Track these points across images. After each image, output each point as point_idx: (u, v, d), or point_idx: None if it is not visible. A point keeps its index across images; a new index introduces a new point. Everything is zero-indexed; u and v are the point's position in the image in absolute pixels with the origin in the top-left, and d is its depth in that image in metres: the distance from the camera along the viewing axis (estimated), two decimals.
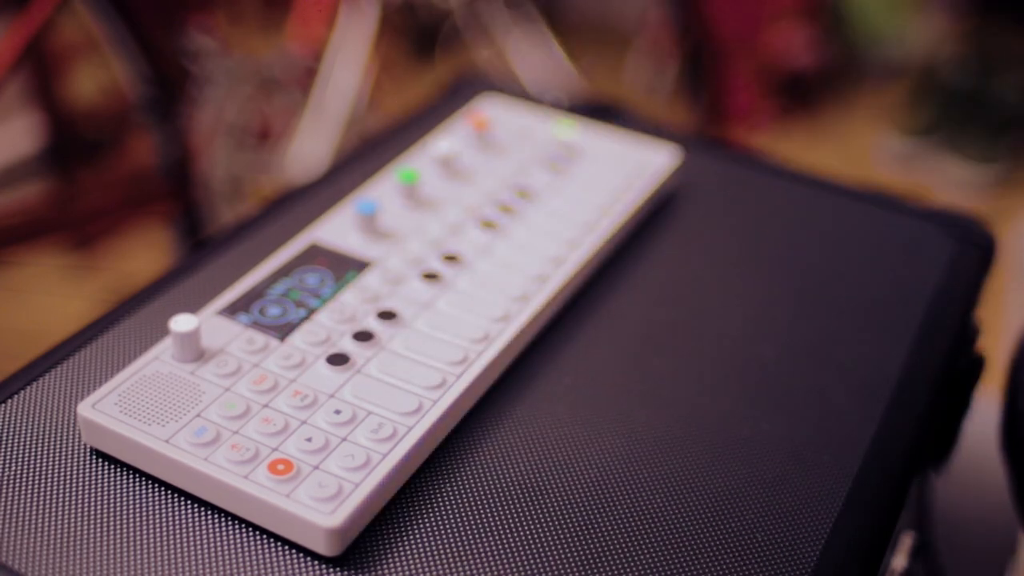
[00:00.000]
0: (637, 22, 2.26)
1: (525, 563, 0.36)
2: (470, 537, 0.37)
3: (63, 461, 0.39)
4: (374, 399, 0.40)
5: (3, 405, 0.41)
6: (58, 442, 0.39)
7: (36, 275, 1.52)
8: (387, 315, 0.44)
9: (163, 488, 0.38)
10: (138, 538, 0.36)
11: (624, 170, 0.57)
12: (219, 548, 0.36)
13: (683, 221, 0.57)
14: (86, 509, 0.37)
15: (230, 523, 0.37)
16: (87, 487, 0.38)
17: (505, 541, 0.37)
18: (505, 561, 0.36)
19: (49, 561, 0.35)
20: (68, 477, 0.38)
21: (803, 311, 0.50)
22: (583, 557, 0.37)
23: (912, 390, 0.46)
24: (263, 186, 1.59)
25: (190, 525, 0.36)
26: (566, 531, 0.38)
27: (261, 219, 0.53)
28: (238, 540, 0.36)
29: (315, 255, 0.48)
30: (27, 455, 0.39)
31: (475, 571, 0.36)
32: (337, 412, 0.39)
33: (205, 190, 1.44)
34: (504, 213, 0.53)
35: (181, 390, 0.39)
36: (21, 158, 1.61)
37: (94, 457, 0.39)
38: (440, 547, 0.37)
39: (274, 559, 0.35)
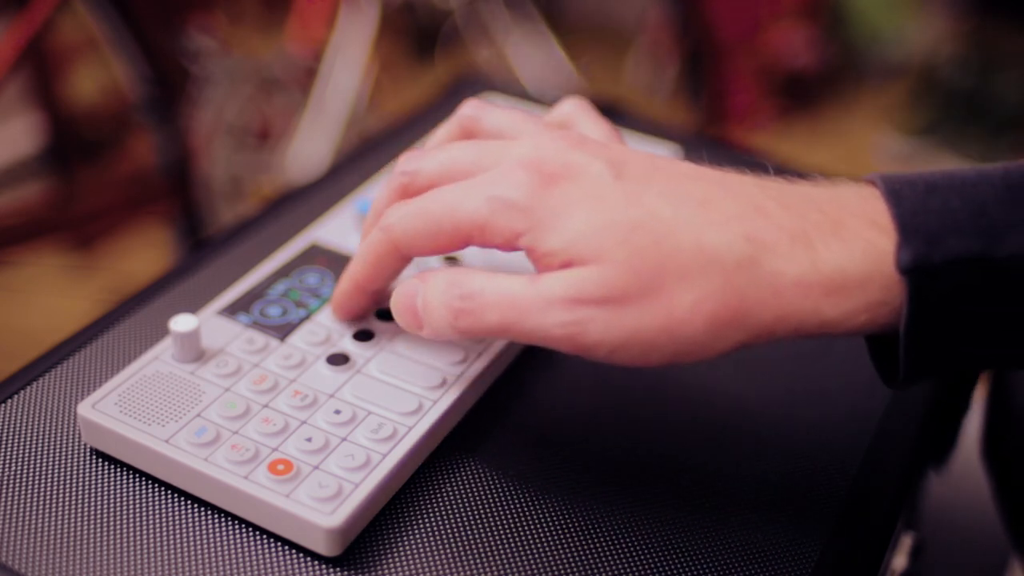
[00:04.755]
0: (637, 22, 2.26)
1: (525, 563, 0.36)
2: (470, 537, 0.37)
3: (63, 461, 0.39)
4: (374, 399, 0.40)
5: (3, 405, 0.41)
6: (58, 442, 0.39)
7: (36, 275, 1.52)
8: (387, 315, 0.44)
9: (163, 488, 0.38)
10: (138, 538, 0.36)
11: None
12: (219, 548, 0.36)
13: None
14: (86, 509, 0.37)
15: (230, 523, 0.37)
16: (87, 487, 0.38)
17: (505, 541, 0.37)
18: (505, 561, 0.36)
19: (49, 561, 0.35)
20: (68, 477, 0.38)
21: None
22: (583, 557, 0.37)
23: (912, 390, 0.46)
24: (263, 186, 1.59)
25: (190, 525, 0.36)
26: (567, 531, 0.38)
27: (261, 219, 0.53)
28: (238, 540, 0.36)
29: (315, 255, 0.48)
30: (27, 455, 0.39)
31: (475, 571, 0.36)
32: (337, 412, 0.39)
33: (205, 190, 1.44)
34: None
35: (181, 390, 0.39)
36: (21, 158, 1.61)
37: (94, 457, 0.39)
38: (440, 547, 0.37)
39: (274, 559, 0.35)
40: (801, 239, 0.34)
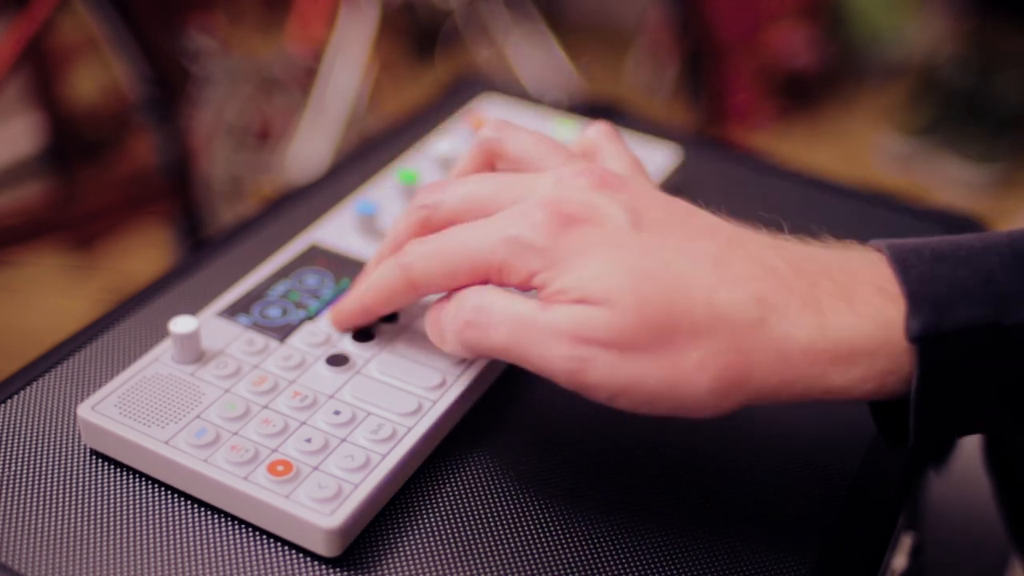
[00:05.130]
0: (637, 22, 2.26)
1: (525, 563, 0.36)
2: (470, 537, 0.37)
3: (63, 461, 0.39)
4: (374, 400, 0.40)
5: (3, 405, 0.41)
6: (58, 442, 0.39)
7: (36, 275, 1.52)
8: (387, 316, 0.44)
9: (163, 489, 0.38)
10: (138, 539, 0.36)
11: None
12: (219, 549, 0.36)
13: None
14: (86, 509, 0.37)
15: (230, 524, 0.37)
16: (87, 487, 0.38)
17: (505, 541, 0.37)
18: (505, 561, 0.36)
19: (49, 561, 0.35)
20: (68, 477, 0.38)
21: None
22: (583, 557, 0.37)
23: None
24: (263, 186, 1.60)
25: (190, 526, 0.36)
26: (566, 531, 0.38)
27: (261, 219, 0.54)
28: (238, 541, 0.36)
29: (315, 256, 0.48)
30: (27, 455, 0.39)
31: (475, 571, 0.36)
32: (337, 413, 0.39)
33: (205, 190, 1.44)
34: None
35: (181, 392, 0.39)
36: (21, 158, 1.61)
37: (94, 457, 0.39)
38: (440, 547, 0.37)
39: (274, 560, 0.35)
40: (811, 304, 0.34)
